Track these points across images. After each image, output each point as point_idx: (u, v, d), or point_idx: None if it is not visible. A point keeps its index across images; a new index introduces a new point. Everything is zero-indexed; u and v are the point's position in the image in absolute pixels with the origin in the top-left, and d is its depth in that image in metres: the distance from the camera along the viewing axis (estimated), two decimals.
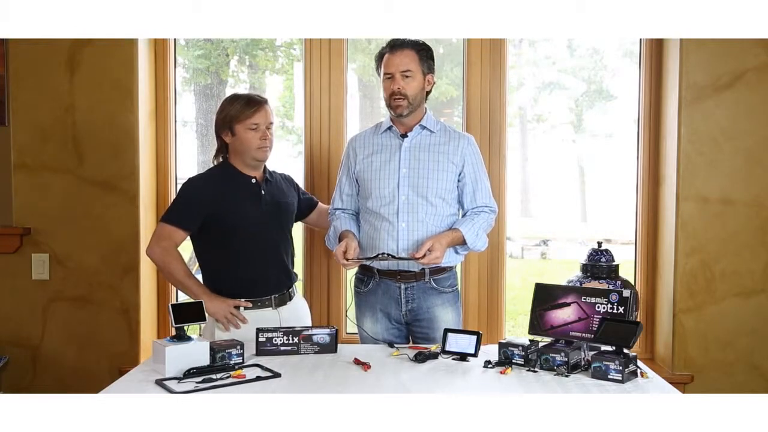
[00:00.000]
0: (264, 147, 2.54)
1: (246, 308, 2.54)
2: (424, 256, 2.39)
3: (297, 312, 2.69)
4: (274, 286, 2.60)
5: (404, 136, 2.59)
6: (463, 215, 2.62)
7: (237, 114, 2.52)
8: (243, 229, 2.53)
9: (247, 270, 2.54)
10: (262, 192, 2.60)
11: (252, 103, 2.53)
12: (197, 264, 2.68)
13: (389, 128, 2.63)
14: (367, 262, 2.52)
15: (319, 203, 2.92)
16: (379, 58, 2.58)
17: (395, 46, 2.55)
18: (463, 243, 2.52)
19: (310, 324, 2.73)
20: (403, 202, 2.54)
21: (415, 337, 2.61)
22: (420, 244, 2.44)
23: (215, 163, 2.66)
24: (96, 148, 3.08)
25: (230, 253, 2.54)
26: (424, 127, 2.60)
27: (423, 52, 2.55)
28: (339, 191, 2.73)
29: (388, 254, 2.45)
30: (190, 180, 2.61)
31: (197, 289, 2.52)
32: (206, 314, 2.23)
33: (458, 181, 2.60)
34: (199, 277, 2.65)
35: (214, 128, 2.61)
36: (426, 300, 2.57)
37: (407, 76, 2.52)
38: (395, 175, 2.56)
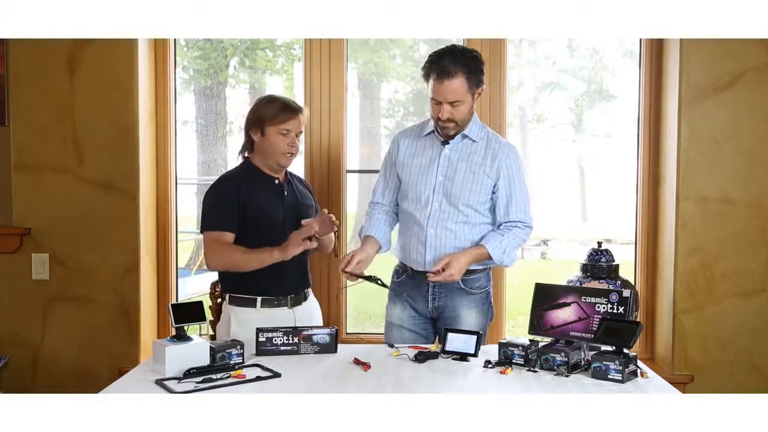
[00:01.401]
0: (289, 153, 2.53)
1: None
2: (440, 272, 2.39)
3: (310, 312, 2.69)
4: (292, 287, 2.59)
5: (446, 142, 2.57)
6: (498, 226, 2.59)
7: (271, 116, 2.50)
8: (266, 228, 2.51)
9: (267, 269, 2.51)
10: (285, 193, 2.59)
11: (288, 109, 2.51)
12: (197, 263, 2.67)
13: (432, 132, 2.60)
14: (360, 280, 2.49)
15: None
16: (426, 76, 2.48)
17: (443, 73, 2.41)
18: (489, 258, 2.51)
19: (321, 324, 2.72)
20: (435, 209, 2.55)
21: (438, 332, 2.61)
22: (439, 259, 2.45)
23: (240, 159, 2.64)
24: (96, 148, 3.08)
25: None
26: (465, 136, 2.57)
27: (474, 72, 2.45)
28: (379, 185, 2.73)
29: (381, 282, 2.49)
30: (215, 184, 2.58)
31: (264, 254, 2.43)
32: (205, 315, 2.23)
33: (493, 192, 2.57)
34: (210, 274, 2.61)
35: (244, 124, 2.59)
36: (452, 300, 2.58)
37: (456, 105, 2.45)
38: (432, 180, 2.56)
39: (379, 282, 2.48)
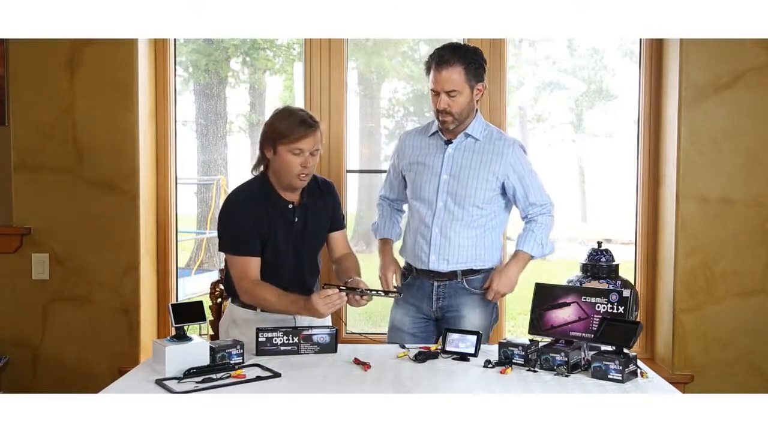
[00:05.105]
0: (303, 174, 2.38)
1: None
2: (488, 292, 2.56)
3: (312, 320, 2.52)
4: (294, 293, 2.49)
5: (449, 142, 2.60)
6: (523, 218, 2.67)
7: (284, 133, 2.33)
8: (267, 252, 2.45)
9: (272, 277, 2.44)
10: (296, 219, 2.47)
11: (302, 127, 2.33)
12: (197, 263, 2.66)
13: (437, 132, 2.62)
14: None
15: (341, 232, 2.64)
16: (428, 69, 2.53)
17: (441, 62, 2.47)
18: (532, 258, 2.62)
19: (328, 324, 2.68)
20: (441, 209, 2.58)
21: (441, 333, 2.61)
22: (489, 276, 2.60)
23: (254, 173, 2.52)
24: (96, 148, 3.08)
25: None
26: (468, 135, 2.58)
27: (472, 63, 2.48)
28: (388, 180, 2.82)
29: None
30: (235, 203, 2.45)
31: (293, 306, 2.35)
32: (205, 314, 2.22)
33: (503, 189, 2.60)
34: (210, 274, 2.57)
35: (259, 138, 2.44)
36: (456, 299, 2.60)
37: (453, 96, 2.47)
38: (436, 180, 2.58)
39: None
